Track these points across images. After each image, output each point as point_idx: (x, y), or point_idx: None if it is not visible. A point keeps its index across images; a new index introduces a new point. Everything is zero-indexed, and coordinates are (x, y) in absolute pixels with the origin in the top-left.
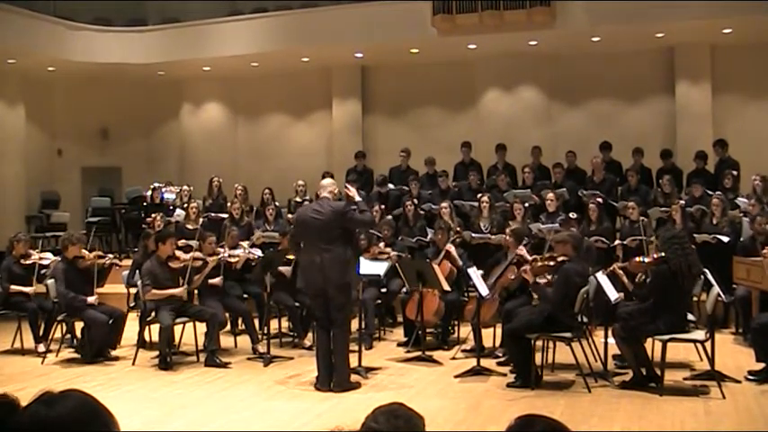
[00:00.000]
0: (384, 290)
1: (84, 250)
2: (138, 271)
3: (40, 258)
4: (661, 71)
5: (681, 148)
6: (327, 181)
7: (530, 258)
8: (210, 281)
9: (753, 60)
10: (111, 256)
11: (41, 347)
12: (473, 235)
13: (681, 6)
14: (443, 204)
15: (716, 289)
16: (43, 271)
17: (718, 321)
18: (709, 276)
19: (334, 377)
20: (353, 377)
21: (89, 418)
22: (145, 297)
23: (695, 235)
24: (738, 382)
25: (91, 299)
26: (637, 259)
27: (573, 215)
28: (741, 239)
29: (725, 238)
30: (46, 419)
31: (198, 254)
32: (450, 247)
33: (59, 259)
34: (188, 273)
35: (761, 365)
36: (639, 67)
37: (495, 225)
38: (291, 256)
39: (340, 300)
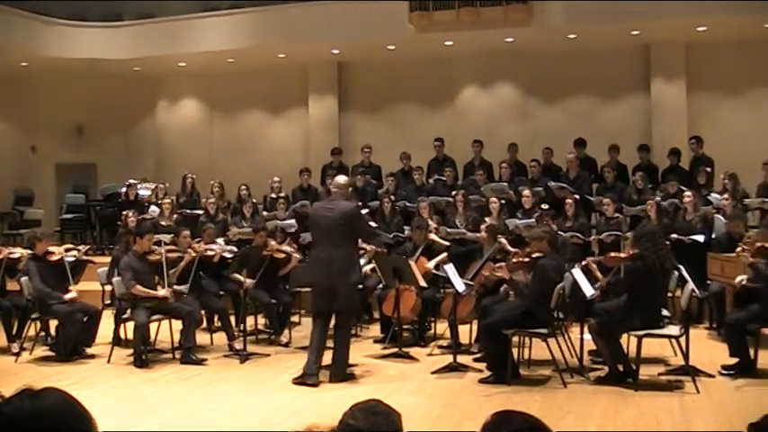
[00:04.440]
0: (360, 286)
1: (53, 246)
2: (116, 268)
3: (10, 253)
4: (637, 69)
5: (656, 145)
6: (342, 179)
7: (511, 250)
8: (176, 288)
9: (727, 58)
10: (81, 248)
11: (15, 347)
12: (448, 230)
13: (656, 5)
14: (422, 201)
15: (690, 285)
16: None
17: (692, 317)
18: (684, 272)
19: (333, 369)
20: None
21: (69, 415)
22: (130, 291)
23: (671, 235)
24: (712, 376)
25: (69, 296)
26: (612, 254)
27: (545, 206)
28: (714, 236)
29: (699, 238)
30: (29, 413)
31: (173, 246)
32: (433, 236)
33: (30, 255)
34: (164, 266)
35: (734, 360)
36: (615, 64)
37: (471, 222)
38: (266, 253)
39: (347, 295)
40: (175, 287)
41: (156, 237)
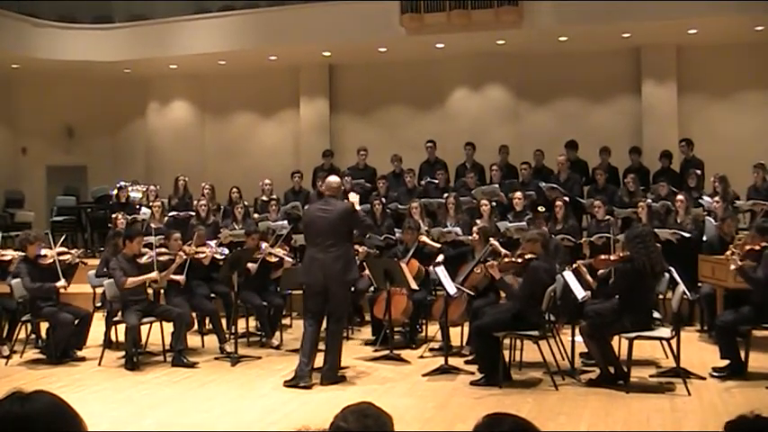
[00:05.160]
0: (352, 288)
1: (45, 249)
2: (105, 268)
3: (1, 255)
4: (627, 71)
5: (647, 148)
6: (335, 180)
7: (502, 252)
8: (173, 276)
9: (718, 61)
10: (74, 252)
11: (5, 350)
12: (443, 231)
13: (647, 7)
14: (413, 203)
15: (681, 287)
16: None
17: (683, 319)
18: (675, 274)
19: (325, 371)
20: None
21: (59, 418)
22: (122, 287)
23: (656, 230)
24: (703, 378)
25: (60, 283)
26: (602, 257)
27: (541, 209)
28: (705, 239)
29: (686, 234)
30: (18, 417)
31: (164, 249)
32: (424, 238)
33: (22, 257)
34: (154, 269)
35: (725, 362)
36: (606, 66)
37: (462, 224)
38: (258, 255)
39: (340, 296)
40: (172, 276)
41: (146, 239)
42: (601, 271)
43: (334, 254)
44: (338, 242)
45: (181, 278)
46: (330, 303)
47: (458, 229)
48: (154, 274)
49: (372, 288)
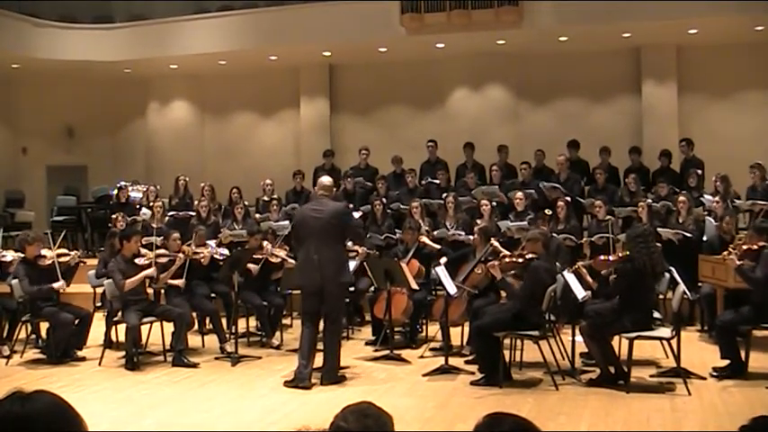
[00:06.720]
0: (352, 288)
1: (45, 249)
2: (104, 269)
3: (2, 256)
4: (628, 71)
5: (647, 148)
6: (327, 180)
7: (504, 253)
8: (172, 281)
9: (718, 61)
10: (74, 253)
11: (5, 350)
12: (447, 234)
13: (647, 7)
14: (414, 203)
15: (681, 287)
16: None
17: (683, 319)
18: (675, 274)
19: (325, 370)
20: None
21: (59, 418)
22: (122, 290)
23: (659, 230)
24: (703, 378)
25: (57, 284)
26: (601, 257)
27: (548, 212)
28: (705, 239)
29: (688, 234)
30: (18, 417)
31: (163, 251)
32: (424, 239)
33: (21, 258)
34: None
35: (725, 362)
36: (606, 66)
37: (462, 224)
38: (259, 255)
39: (336, 296)
40: (171, 281)
41: (146, 239)
42: (604, 271)
43: (328, 254)
44: (332, 243)
45: (180, 282)
46: (326, 304)
47: (461, 232)
48: (151, 270)
49: (372, 288)
